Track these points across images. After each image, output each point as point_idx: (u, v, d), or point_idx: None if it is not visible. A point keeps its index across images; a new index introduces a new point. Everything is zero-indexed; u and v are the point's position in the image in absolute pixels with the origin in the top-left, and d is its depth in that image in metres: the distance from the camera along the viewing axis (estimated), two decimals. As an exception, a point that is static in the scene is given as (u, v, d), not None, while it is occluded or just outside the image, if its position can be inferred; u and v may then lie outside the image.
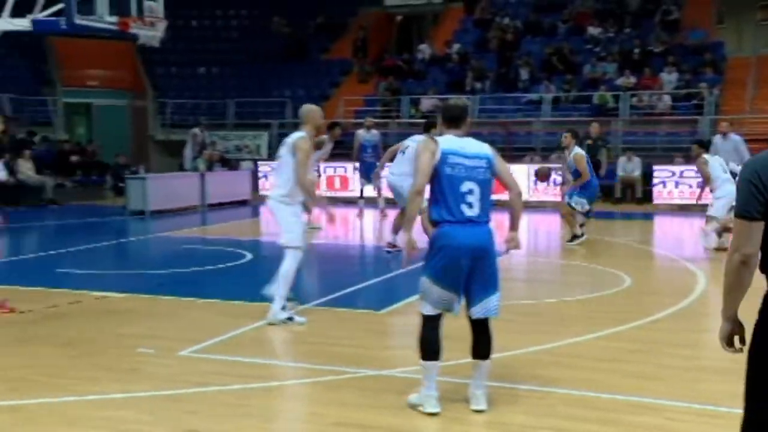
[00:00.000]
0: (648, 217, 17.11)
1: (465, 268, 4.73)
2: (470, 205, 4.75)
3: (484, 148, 4.94)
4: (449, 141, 4.86)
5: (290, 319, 7.08)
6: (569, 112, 22.00)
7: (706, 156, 11.54)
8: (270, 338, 6.85)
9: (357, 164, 16.65)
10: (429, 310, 4.85)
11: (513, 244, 5.06)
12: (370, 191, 16.15)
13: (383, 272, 10.06)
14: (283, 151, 7.13)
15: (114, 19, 11.14)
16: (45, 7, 10.97)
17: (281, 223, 7.24)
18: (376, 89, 24.82)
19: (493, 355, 4.95)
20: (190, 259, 11.06)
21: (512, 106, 22.85)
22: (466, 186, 4.76)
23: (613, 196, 19.29)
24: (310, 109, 7.32)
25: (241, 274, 9.93)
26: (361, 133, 16.41)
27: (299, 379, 5.52)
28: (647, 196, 18.75)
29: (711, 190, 11.52)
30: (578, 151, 12.07)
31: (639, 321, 7.22)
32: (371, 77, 25.78)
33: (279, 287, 7.00)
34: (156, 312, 7.72)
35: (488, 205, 4.86)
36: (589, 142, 16.05)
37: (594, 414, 4.85)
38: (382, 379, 5.53)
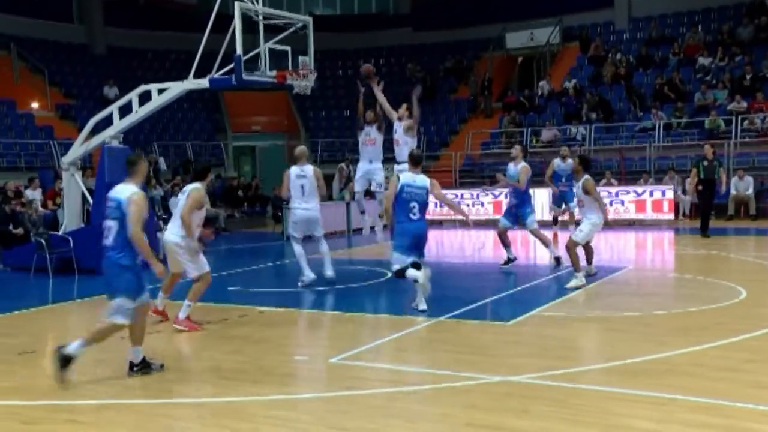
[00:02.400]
0: (762, 232, 15.99)
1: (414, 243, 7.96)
2: (414, 213, 7.99)
3: (426, 181, 8.10)
4: (406, 176, 8.11)
5: None
6: (680, 137, 21.00)
7: None
8: (408, 347, 6.85)
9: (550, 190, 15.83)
10: (398, 266, 7.98)
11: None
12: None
13: (512, 286, 9.87)
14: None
15: (273, 73, 11.64)
16: (219, 68, 11.64)
17: None
18: (500, 123, 24.60)
19: (610, 363, 4.76)
20: (338, 277, 11.25)
21: (626, 134, 22.07)
22: (412, 203, 8.00)
23: (726, 214, 18.22)
24: None
25: (381, 291, 10.01)
26: (556, 161, 15.27)
27: (435, 384, 5.49)
28: (762, 213, 17.57)
29: None
30: (524, 164, 11.29)
31: (756, 332, 6.73)
32: (495, 113, 25.58)
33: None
34: (309, 324, 7.90)
35: (423, 211, 8.08)
36: (705, 163, 15.11)
37: (716, 421, 4.54)
38: (510, 384, 5.42)
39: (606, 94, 23.72)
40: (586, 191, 9.38)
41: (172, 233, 7.94)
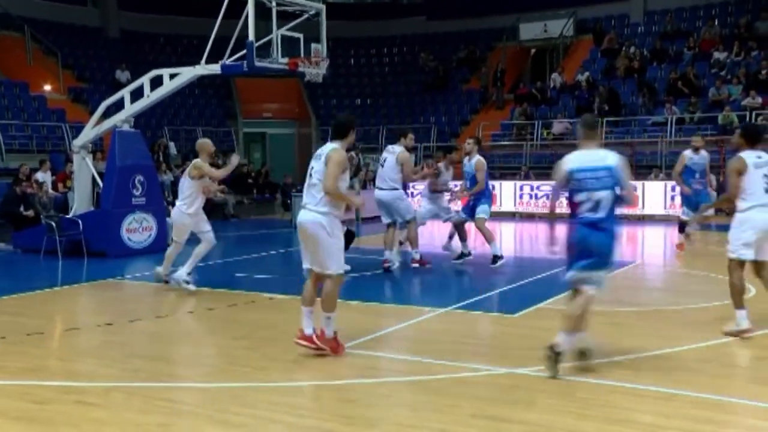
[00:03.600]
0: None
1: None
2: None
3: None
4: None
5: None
6: (693, 131, 20.85)
7: None
8: (414, 337, 6.87)
9: (676, 185, 13.37)
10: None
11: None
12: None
13: (519, 279, 9.86)
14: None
15: (285, 60, 11.63)
16: (231, 54, 11.64)
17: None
18: (511, 115, 24.51)
19: (618, 357, 4.75)
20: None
21: (638, 128, 21.96)
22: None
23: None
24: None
25: (389, 280, 10.02)
26: (687, 154, 12.24)
27: (441, 374, 5.51)
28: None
29: None
30: (480, 158, 10.68)
31: (763, 330, 6.70)
32: (507, 104, 25.49)
33: None
34: (316, 312, 7.90)
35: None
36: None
37: (720, 417, 4.54)
38: (515, 376, 5.42)
39: (619, 88, 23.59)
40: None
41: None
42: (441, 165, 11.21)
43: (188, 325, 7.36)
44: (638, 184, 18.07)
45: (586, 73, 24.55)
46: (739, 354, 5.99)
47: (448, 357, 5.97)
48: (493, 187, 16.67)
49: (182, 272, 8.98)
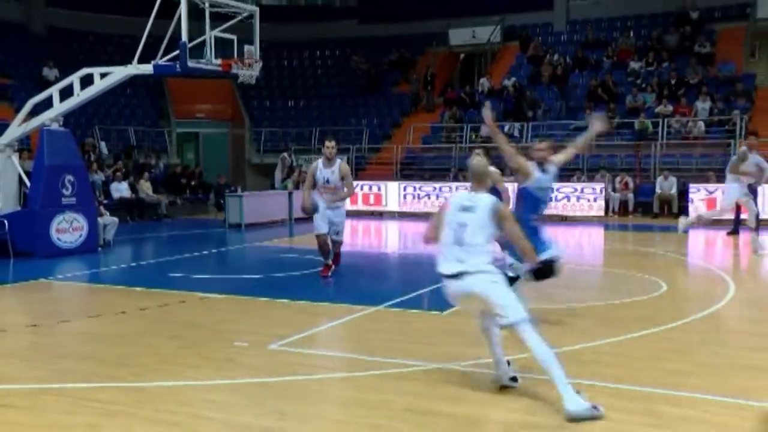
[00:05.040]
0: (684, 230, 16.56)
1: None
2: None
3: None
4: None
5: None
6: (612, 137, 21.58)
7: None
8: (345, 335, 6.89)
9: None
10: None
11: None
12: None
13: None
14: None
15: (218, 61, 11.48)
16: (164, 54, 11.41)
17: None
18: (441, 118, 24.81)
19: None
20: (279, 265, 11.22)
21: (563, 132, 22.53)
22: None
23: (652, 212, 18.87)
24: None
25: (320, 279, 10.01)
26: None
27: (372, 371, 5.55)
28: (683, 211, 18.21)
29: None
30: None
31: (675, 323, 7.01)
32: (437, 108, 25.79)
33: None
34: (249, 311, 7.85)
35: None
36: None
37: (636, 405, 4.73)
38: (446, 372, 5.51)
39: (543, 94, 24.20)
40: None
41: None
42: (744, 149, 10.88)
43: (120, 325, 7.19)
44: (562, 185, 18.61)
45: (513, 79, 25.07)
46: (650, 347, 6.24)
47: (380, 354, 6.01)
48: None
49: None
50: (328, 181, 9.54)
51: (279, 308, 8.02)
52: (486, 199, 4.92)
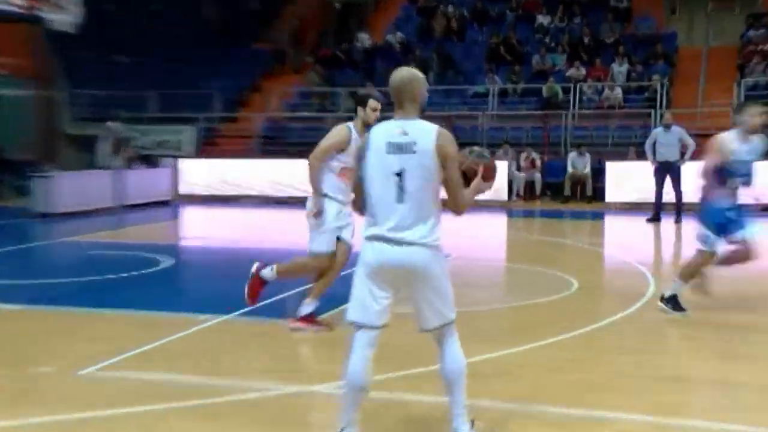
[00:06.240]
0: (598, 216, 17.31)
1: None
2: None
3: None
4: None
5: None
6: (516, 105, 22.20)
7: None
8: (187, 352, 6.65)
9: None
10: None
11: None
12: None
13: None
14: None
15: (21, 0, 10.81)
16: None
17: None
18: (311, 81, 24.66)
19: (431, 367, 4.86)
20: (100, 266, 10.75)
21: (457, 100, 22.95)
22: None
23: (562, 195, 19.52)
24: None
25: (156, 283, 9.68)
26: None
27: (223, 396, 5.36)
28: (598, 194, 18.99)
29: None
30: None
31: (587, 327, 7.23)
32: (306, 68, 25.61)
33: None
34: (56, 326, 7.46)
35: None
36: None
37: (543, 430, 4.79)
38: (310, 395, 5.41)
39: (444, 51, 24.43)
40: None
41: None
42: None
43: None
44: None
45: (399, 34, 25.28)
46: (558, 356, 6.39)
47: (230, 375, 5.84)
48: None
49: None
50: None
51: (96, 321, 7.65)
52: (425, 128, 4.20)
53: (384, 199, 4.21)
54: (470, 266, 11.15)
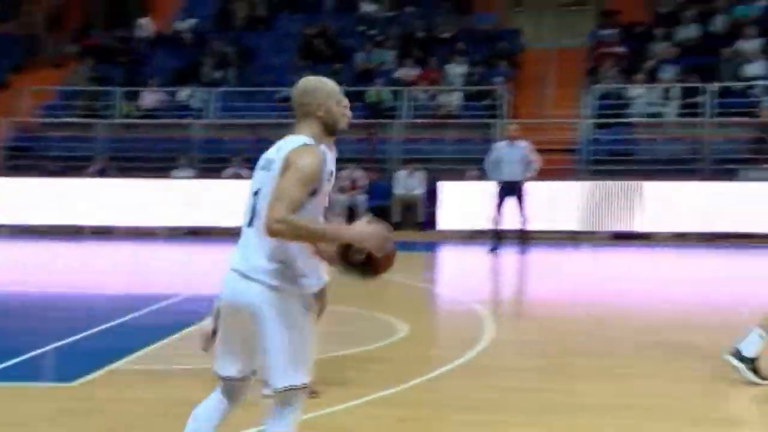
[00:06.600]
0: (431, 247, 17.79)
1: None
2: None
3: None
4: None
5: None
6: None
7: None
8: None
9: None
10: None
11: None
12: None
13: (83, 329, 9.68)
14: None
15: None
16: None
17: None
18: (77, 77, 24.06)
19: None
20: None
21: (263, 104, 22.94)
22: None
23: (391, 221, 19.87)
24: None
25: None
26: None
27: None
28: (432, 221, 19.43)
29: None
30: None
31: (417, 379, 7.45)
32: (69, 62, 24.96)
33: None
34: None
35: None
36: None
37: None
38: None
39: (244, 42, 24.55)
40: None
41: None
42: None
43: None
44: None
45: (191, 21, 25.11)
46: (383, 416, 6.56)
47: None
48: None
49: None
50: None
51: None
52: (290, 145, 4.31)
53: (243, 222, 4.36)
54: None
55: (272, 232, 4.07)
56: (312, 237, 4.23)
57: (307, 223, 4.12)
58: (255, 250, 4.25)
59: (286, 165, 4.16)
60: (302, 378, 4.27)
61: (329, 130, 4.41)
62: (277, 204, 4.09)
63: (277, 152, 4.31)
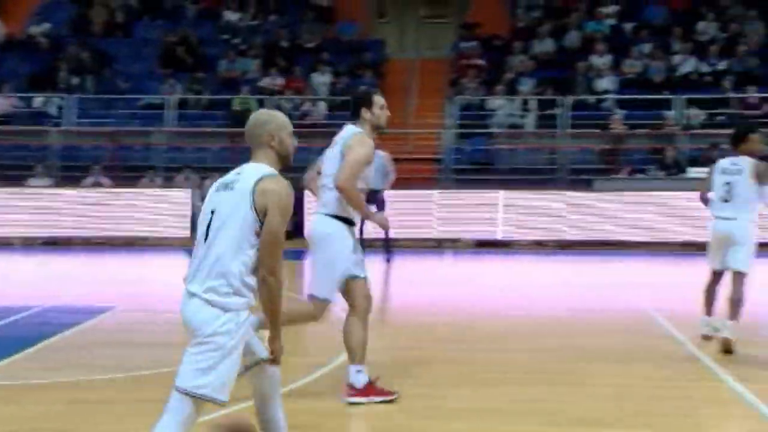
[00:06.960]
0: (297, 255, 17.77)
1: None
2: None
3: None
4: None
5: None
6: (200, 120, 22.23)
7: None
8: None
9: None
10: None
11: None
12: None
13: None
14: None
15: None
16: None
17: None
18: None
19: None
20: None
21: (125, 111, 22.53)
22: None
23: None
24: None
25: None
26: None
27: None
28: (298, 229, 19.46)
29: None
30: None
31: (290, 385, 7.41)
32: None
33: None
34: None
35: None
36: None
37: None
38: None
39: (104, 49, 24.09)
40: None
41: None
42: None
43: None
44: (128, 191, 18.68)
45: (46, 25, 24.54)
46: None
47: None
48: None
49: None
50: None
51: None
52: (254, 171, 4.67)
53: (199, 239, 4.67)
54: (139, 320, 11.04)
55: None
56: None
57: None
58: (213, 272, 4.55)
59: (264, 203, 4.51)
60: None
61: (282, 161, 4.79)
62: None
63: (237, 175, 4.67)
